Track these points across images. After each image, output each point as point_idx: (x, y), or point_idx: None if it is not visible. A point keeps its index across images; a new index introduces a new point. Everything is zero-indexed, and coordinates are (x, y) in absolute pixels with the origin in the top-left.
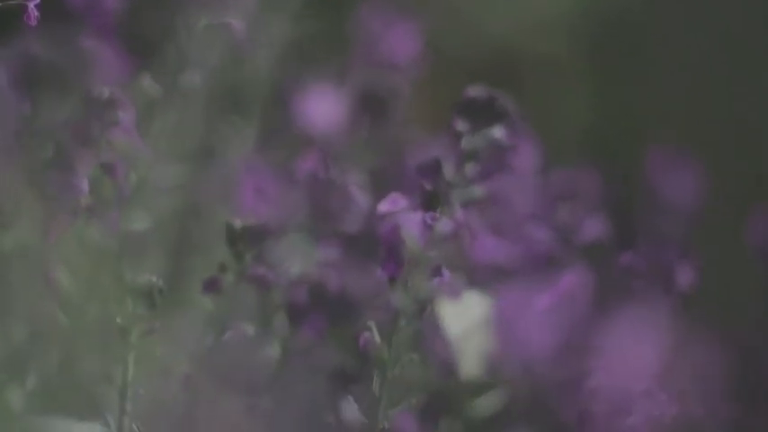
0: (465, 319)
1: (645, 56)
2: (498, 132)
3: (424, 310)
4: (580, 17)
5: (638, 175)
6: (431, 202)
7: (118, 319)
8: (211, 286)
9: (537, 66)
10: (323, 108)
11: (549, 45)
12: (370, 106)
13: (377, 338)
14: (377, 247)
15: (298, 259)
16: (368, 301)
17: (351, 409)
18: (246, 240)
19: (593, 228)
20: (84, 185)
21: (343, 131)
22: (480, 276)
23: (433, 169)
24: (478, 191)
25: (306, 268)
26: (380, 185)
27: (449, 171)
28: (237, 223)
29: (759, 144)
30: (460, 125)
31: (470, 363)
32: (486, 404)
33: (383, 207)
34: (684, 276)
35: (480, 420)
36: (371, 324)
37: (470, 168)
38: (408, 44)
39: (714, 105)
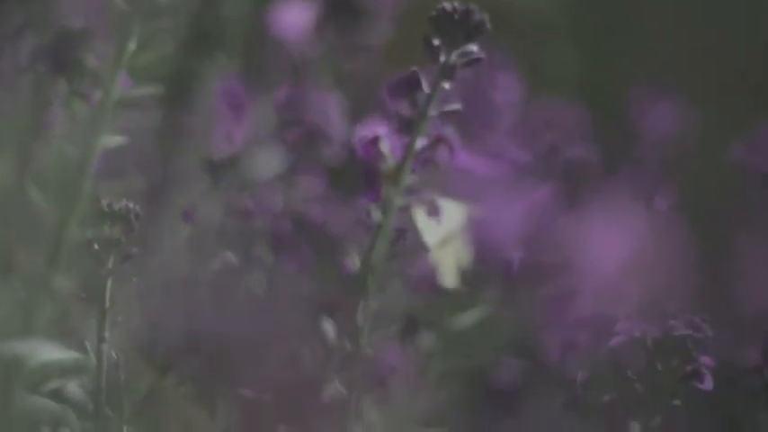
0: (442, 229)
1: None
2: (474, 47)
3: (403, 230)
4: None
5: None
6: (407, 124)
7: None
8: (189, 215)
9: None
10: (294, 16)
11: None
12: (340, 12)
13: (358, 266)
14: (358, 178)
15: (279, 189)
16: (350, 231)
17: (334, 336)
18: (224, 170)
19: (574, 150)
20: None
21: (314, 38)
22: (457, 188)
23: (411, 83)
24: (455, 104)
25: (287, 199)
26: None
27: (426, 86)
28: (215, 153)
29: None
30: (436, 39)
31: (448, 273)
32: (466, 318)
33: (362, 133)
34: (662, 200)
35: (459, 334)
36: (354, 253)
37: (447, 82)
38: None
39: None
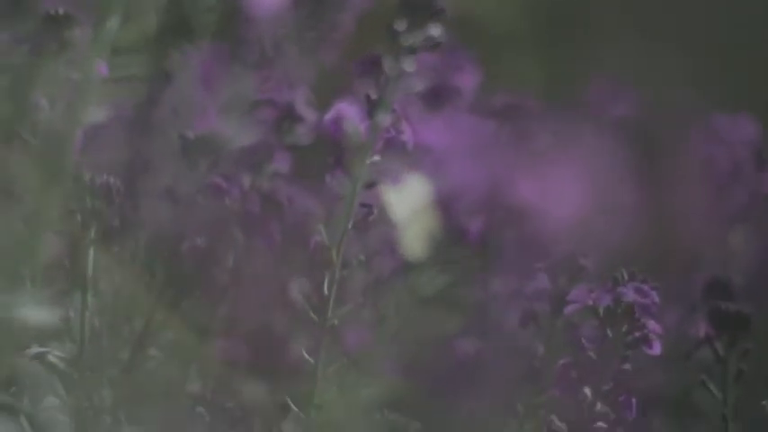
0: (408, 204)
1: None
2: (435, 30)
3: (369, 205)
4: None
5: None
6: (372, 103)
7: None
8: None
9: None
10: None
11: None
12: None
13: (326, 241)
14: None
15: (249, 167)
16: (317, 207)
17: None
18: (200, 151)
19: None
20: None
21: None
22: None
23: (373, 64)
24: (417, 83)
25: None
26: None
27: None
28: (191, 134)
29: None
30: (398, 24)
31: (414, 245)
32: (430, 284)
33: (329, 117)
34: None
35: (424, 299)
36: (321, 228)
37: (408, 63)
38: None
39: None
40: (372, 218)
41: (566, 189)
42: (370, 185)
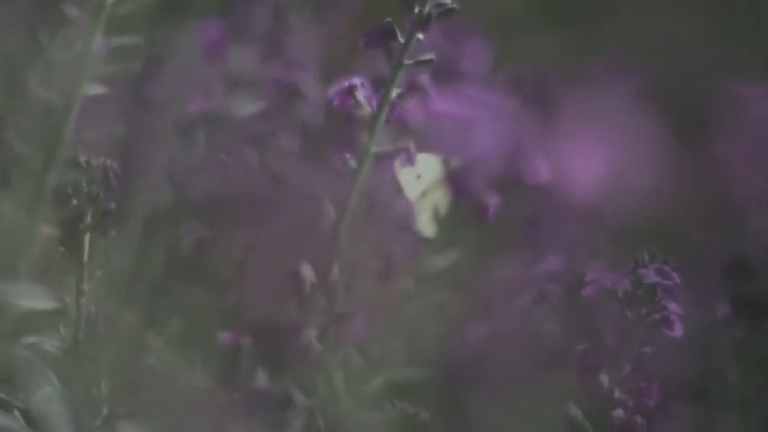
0: (420, 182)
1: None
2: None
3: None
4: None
5: None
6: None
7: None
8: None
9: None
10: None
11: None
12: None
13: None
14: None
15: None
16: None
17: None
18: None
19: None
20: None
21: None
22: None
23: (387, 33)
24: (429, 54)
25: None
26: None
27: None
28: (191, 110)
29: None
30: None
31: (426, 221)
32: (441, 261)
33: (335, 90)
34: None
35: (435, 277)
36: (329, 207)
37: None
38: None
39: None
40: (382, 197)
41: (584, 165)
42: (381, 159)
